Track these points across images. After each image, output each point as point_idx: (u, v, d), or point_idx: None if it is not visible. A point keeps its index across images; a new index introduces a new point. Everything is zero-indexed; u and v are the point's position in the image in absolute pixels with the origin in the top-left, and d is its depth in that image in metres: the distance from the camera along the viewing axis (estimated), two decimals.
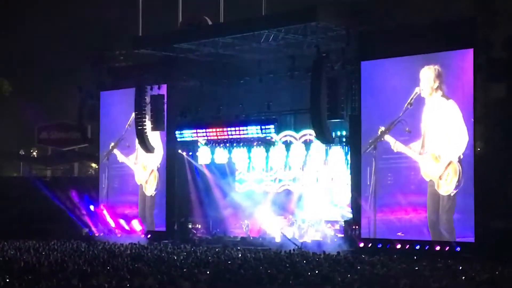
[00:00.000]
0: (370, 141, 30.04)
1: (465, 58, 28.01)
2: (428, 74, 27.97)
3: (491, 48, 28.75)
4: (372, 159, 29.93)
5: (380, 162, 29.71)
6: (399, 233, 28.70)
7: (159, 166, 37.79)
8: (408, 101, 28.20)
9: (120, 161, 39.21)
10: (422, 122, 28.59)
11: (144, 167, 38.35)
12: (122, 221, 38.83)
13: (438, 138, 27.80)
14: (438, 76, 27.69)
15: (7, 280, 19.61)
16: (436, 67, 27.92)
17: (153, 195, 38.04)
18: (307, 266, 22.71)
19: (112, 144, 39.40)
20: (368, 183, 29.86)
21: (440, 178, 27.25)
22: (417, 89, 28.23)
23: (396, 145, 28.86)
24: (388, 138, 29.27)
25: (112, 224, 39.09)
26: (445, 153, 27.34)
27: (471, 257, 26.30)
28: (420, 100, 28.38)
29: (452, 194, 27.09)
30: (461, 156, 26.82)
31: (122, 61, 39.52)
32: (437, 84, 27.89)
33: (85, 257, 26.07)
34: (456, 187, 26.66)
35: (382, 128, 29.31)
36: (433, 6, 29.01)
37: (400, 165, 29.04)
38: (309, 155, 34.79)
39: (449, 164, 27.02)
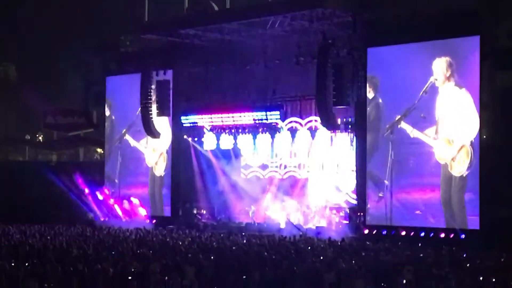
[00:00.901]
0: (387, 126, 30.17)
1: (472, 46, 28.19)
2: (440, 64, 28.46)
3: (497, 37, 28.75)
4: (389, 144, 30.11)
5: (397, 146, 29.97)
6: (417, 212, 29.01)
7: (168, 149, 38.09)
8: (423, 89, 28.74)
9: (132, 145, 39.43)
10: (436, 109, 28.95)
11: (154, 149, 38.74)
12: (125, 202, 38.94)
13: (452, 124, 28.40)
14: (450, 66, 28.26)
15: (13, 264, 19.70)
16: (447, 58, 28.37)
17: (162, 175, 38.41)
18: (311, 253, 22.76)
19: (124, 129, 39.61)
20: (389, 166, 30.04)
21: (453, 160, 28.05)
22: (431, 79, 28.70)
23: (413, 131, 29.33)
24: (404, 124, 29.60)
25: (117, 209, 39.21)
26: (458, 138, 28.09)
27: (476, 244, 26.34)
28: (434, 89, 28.80)
29: (464, 175, 27.84)
30: (473, 140, 27.58)
31: (128, 47, 39.44)
32: (449, 73, 28.41)
33: (90, 242, 26.15)
34: (468, 168, 27.52)
35: (398, 116, 29.47)
36: None
37: (416, 150, 29.43)
38: (315, 142, 34.78)
39: (461, 147, 27.86)
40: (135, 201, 38.87)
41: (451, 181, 28.12)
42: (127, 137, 39.63)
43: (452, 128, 28.38)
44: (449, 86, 28.49)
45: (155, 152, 38.59)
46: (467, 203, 27.70)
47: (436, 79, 28.78)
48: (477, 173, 27.50)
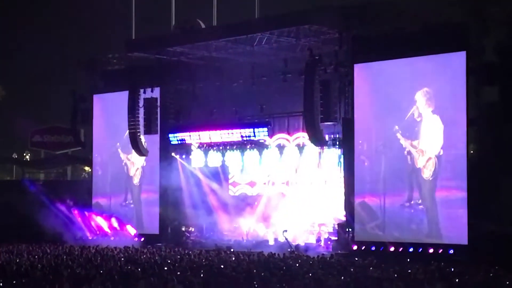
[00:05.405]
0: (382, 142, 30.98)
1: (458, 62, 28.48)
2: (421, 96, 30.06)
3: (483, 52, 29.05)
4: (382, 156, 30.89)
5: (388, 158, 30.92)
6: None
7: (144, 164, 38.70)
8: (409, 113, 30.30)
9: (123, 162, 39.81)
10: (420, 127, 30.10)
11: (134, 164, 39.31)
12: (113, 220, 38.90)
13: (427, 141, 30.09)
14: (429, 98, 29.88)
15: (1, 284, 19.58)
16: (428, 89, 29.77)
17: (138, 184, 39.13)
18: (300, 269, 22.72)
19: (114, 146, 39.92)
20: (382, 175, 30.85)
21: (424, 167, 30.15)
22: (414, 107, 30.17)
23: (403, 143, 30.65)
24: (399, 136, 30.74)
25: (105, 226, 39.11)
26: (428, 151, 30.10)
27: (464, 259, 26.40)
28: (417, 113, 30.32)
29: (431, 179, 29.89)
30: (441, 152, 29.57)
31: (115, 64, 39.43)
32: (428, 103, 29.93)
33: (78, 261, 26.01)
34: (433, 174, 29.90)
35: (396, 127, 30.62)
36: (425, 11, 29.19)
37: (405, 160, 30.56)
38: (303, 158, 34.82)
39: (429, 158, 30.00)
40: (114, 222, 39.12)
41: (424, 182, 30.11)
42: (119, 150, 39.71)
43: (427, 143, 30.11)
44: (427, 112, 29.96)
45: (134, 166, 39.25)
46: (437, 199, 29.65)
47: (418, 107, 30.21)
48: (442, 177, 29.58)
